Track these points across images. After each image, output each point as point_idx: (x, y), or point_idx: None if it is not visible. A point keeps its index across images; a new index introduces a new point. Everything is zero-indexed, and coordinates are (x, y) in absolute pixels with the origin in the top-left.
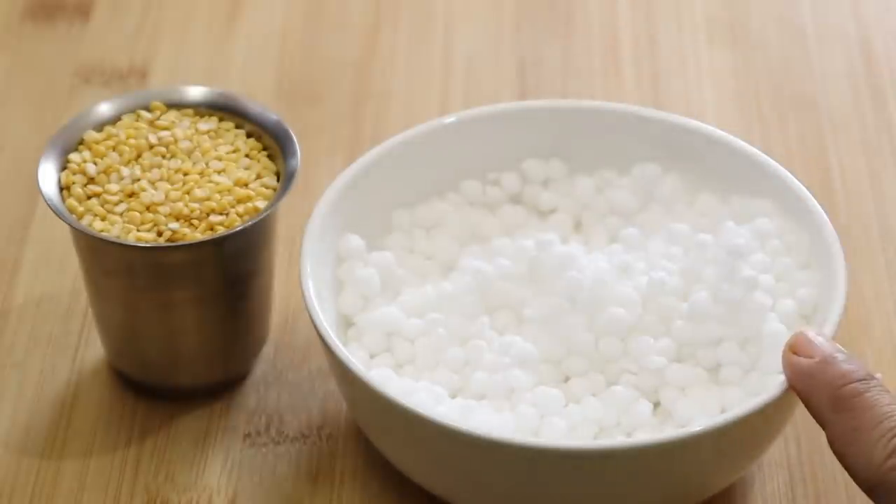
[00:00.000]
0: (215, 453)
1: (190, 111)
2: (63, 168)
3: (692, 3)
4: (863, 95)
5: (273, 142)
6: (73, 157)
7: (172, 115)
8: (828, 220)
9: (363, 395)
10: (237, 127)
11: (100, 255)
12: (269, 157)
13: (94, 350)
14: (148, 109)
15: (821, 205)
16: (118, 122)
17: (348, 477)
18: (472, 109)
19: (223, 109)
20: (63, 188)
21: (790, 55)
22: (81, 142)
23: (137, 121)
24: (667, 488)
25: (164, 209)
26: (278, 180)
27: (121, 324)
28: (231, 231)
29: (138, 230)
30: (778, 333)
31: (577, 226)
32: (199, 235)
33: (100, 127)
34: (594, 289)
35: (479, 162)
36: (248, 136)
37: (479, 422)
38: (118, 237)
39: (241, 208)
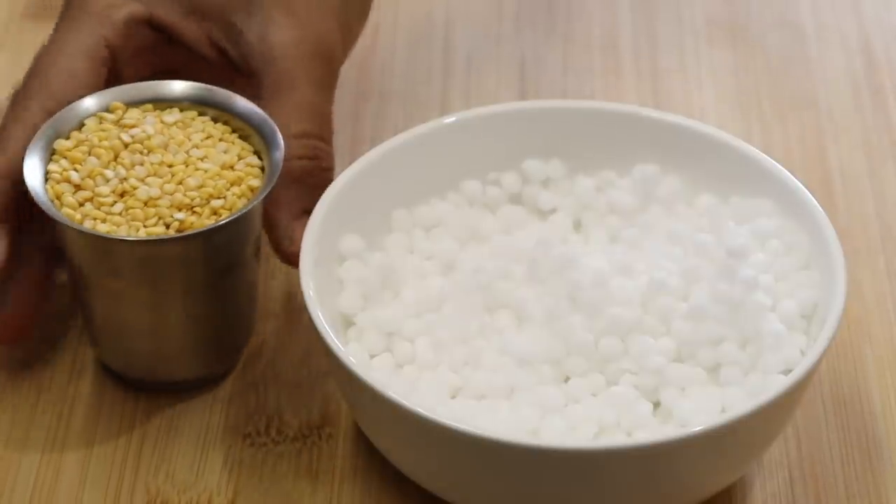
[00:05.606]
0: (215, 453)
1: (149, 106)
2: (45, 180)
3: (692, 3)
4: (863, 95)
5: (242, 123)
6: (52, 167)
7: (135, 112)
8: (828, 220)
9: (363, 395)
10: (200, 115)
11: (101, 253)
12: (242, 137)
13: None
14: (108, 110)
15: (821, 205)
16: (83, 128)
17: (348, 477)
18: (472, 109)
19: (180, 101)
20: (53, 200)
21: (790, 55)
22: (53, 153)
23: (101, 123)
24: (667, 488)
25: (163, 202)
26: (259, 159)
27: (106, 315)
28: (238, 214)
29: (144, 226)
30: (778, 333)
31: (577, 226)
32: (207, 222)
33: (66, 135)
34: (594, 289)
35: (479, 162)
36: (215, 121)
37: (479, 422)
38: (129, 235)
39: (236, 190)
